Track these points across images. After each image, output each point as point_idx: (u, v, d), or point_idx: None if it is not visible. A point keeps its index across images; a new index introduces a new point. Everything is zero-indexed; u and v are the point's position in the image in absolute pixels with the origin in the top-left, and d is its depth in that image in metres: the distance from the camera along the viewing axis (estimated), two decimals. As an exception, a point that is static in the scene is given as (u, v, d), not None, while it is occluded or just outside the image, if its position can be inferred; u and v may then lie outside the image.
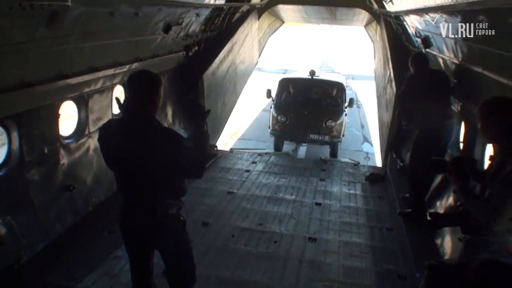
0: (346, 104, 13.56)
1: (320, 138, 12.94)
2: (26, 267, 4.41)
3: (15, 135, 4.82)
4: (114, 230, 5.69)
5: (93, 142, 6.26)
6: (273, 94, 14.08)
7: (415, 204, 6.25)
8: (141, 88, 3.13)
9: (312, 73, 13.97)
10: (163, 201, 3.32)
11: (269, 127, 13.72)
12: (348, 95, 14.67)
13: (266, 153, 11.30)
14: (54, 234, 5.19)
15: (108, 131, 3.30)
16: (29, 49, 4.44)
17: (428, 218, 5.59)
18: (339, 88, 14.07)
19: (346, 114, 13.57)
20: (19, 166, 4.80)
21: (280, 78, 14.99)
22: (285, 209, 7.08)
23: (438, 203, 6.24)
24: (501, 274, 2.51)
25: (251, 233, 6.09)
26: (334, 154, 13.41)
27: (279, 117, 13.21)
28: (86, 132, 6.15)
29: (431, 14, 5.71)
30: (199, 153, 3.31)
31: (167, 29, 7.30)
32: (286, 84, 14.33)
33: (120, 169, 3.29)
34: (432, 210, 6.06)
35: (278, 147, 13.92)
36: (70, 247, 5.17)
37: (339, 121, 13.07)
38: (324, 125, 12.85)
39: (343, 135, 13.31)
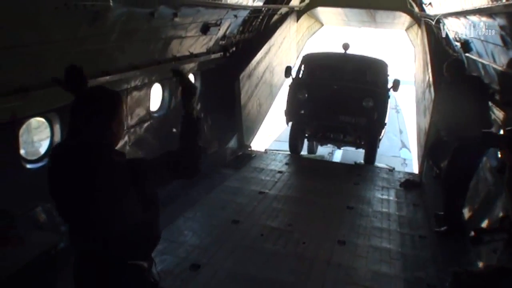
0: (389, 87, 10.72)
1: (354, 120, 9.95)
2: (62, 253, 4.61)
3: (57, 128, 5.07)
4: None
5: (132, 137, 6.49)
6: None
7: (451, 220, 6.06)
8: (94, 113, 2.38)
9: (346, 46, 11.11)
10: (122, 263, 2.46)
11: (284, 112, 10.62)
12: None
13: (300, 155, 11.30)
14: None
15: (57, 164, 2.43)
16: (72, 47, 4.65)
17: (472, 234, 5.47)
18: (381, 66, 11.13)
19: (389, 98, 10.76)
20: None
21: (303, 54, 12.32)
22: (316, 211, 7.08)
23: (479, 218, 6.05)
24: None
25: (280, 233, 6.12)
26: (370, 158, 10.64)
27: (298, 93, 10.21)
28: (125, 127, 6.36)
29: (470, 17, 5.60)
30: (189, 144, 2.61)
31: (205, 29, 7.46)
32: (311, 61, 11.36)
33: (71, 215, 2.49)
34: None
35: (294, 145, 10.84)
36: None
37: (380, 103, 10.16)
38: (360, 103, 9.88)
39: (386, 124, 10.49)
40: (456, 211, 6.05)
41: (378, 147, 10.94)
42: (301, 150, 11.42)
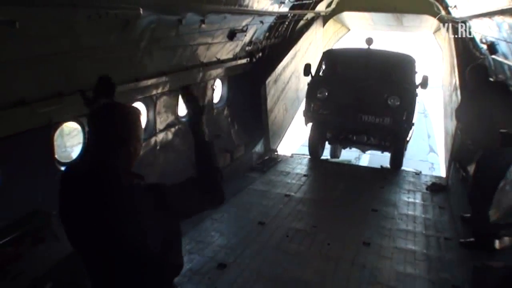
0: (417, 84, 10.01)
1: (378, 121, 9.27)
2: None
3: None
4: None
5: (159, 140, 6.71)
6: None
7: (478, 232, 5.81)
8: (107, 131, 2.18)
9: (370, 41, 10.39)
10: None
11: (303, 113, 10.12)
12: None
13: (326, 160, 11.34)
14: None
15: (67, 187, 2.23)
16: (103, 54, 4.88)
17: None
18: (408, 62, 10.36)
19: (417, 96, 9.96)
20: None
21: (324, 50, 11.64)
22: (341, 213, 7.14)
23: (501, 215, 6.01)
24: None
25: (305, 234, 6.22)
26: (396, 161, 10.03)
27: (318, 92, 9.66)
28: (154, 131, 6.59)
29: (495, 19, 5.60)
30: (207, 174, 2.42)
31: (231, 36, 7.63)
32: (331, 57, 10.77)
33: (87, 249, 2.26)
34: None
35: (314, 148, 10.35)
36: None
37: (407, 101, 9.44)
38: (384, 102, 9.28)
39: (414, 124, 9.68)
40: (483, 223, 5.65)
41: (406, 149, 10.31)
42: (321, 154, 10.85)
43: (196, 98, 2.52)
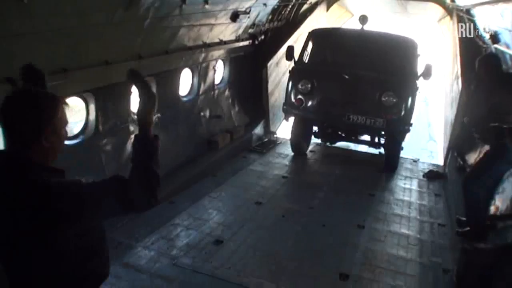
0: (419, 75, 8.53)
1: (368, 122, 7.96)
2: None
3: (92, 108, 5.38)
4: (173, 201, 6.23)
5: (161, 121, 6.78)
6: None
7: (475, 224, 5.66)
8: (18, 121, 1.90)
9: (364, 20, 8.89)
10: None
11: (283, 106, 8.91)
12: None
13: (325, 143, 11.39)
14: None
15: None
16: (108, 31, 4.93)
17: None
18: (409, 47, 8.77)
19: (418, 90, 8.50)
20: (94, 135, 5.36)
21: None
22: (338, 196, 7.25)
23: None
24: None
25: (301, 215, 6.34)
26: (390, 165, 8.84)
27: (299, 84, 8.36)
28: (156, 109, 6.64)
29: (498, 7, 5.60)
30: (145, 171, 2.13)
31: (234, 17, 7.65)
32: (318, 39, 9.17)
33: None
34: None
35: (297, 144, 9.18)
36: (133, 212, 5.69)
37: (405, 98, 8.08)
38: (378, 100, 7.97)
39: (411, 125, 8.32)
40: (480, 221, 5.63)
41: (402, 148, 9.05)
42: (306, 150, 9.62)
43: (147, 83, 2.25)
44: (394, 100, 7.96)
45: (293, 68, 8.83)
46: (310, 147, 9.95)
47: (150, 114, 2.18)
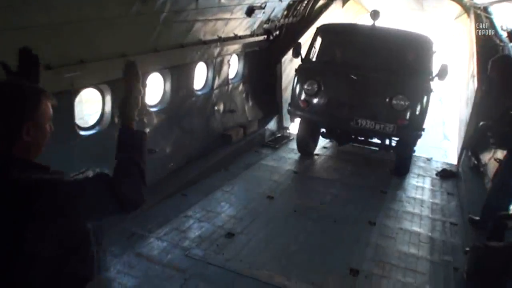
0: (434, 75, 7.89)
1: (377, 127, 7.54)
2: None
3: (108, 99, 5.46)
4: (186, 193, 6.31)
5: (174, 113, 6.85)
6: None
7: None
8: None
9: (375, 15, 8.17)
10: None
11: (288, 107, 8.54)
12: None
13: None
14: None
15: None
16: (124, 23, 4.99)
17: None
18: (423, 45, 8.13)
19: (432, 91, 7.85)
20: (110, 126, 5.44)
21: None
22: (349, 193, 7.26)
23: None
24: None
25: (312, 211, 6.37)
26: (401, 168, 8.42)
27: (305, 85, 7.97)
28: (169, 103, 6.72)
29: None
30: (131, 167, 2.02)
31: (250, 12, 7.67)
32: (326, 36, 8.66)
33: None
34: None
35: (303, 144, 8.87)
36: (147, 203, 5.76)
37: (417, 101, 7.58)
38: (388, 103, 7.49)
39: (424, 130, 7.77)
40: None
41: (414, 151, 8.65)
42: (313, 150, 9.24)
43: (140, 77, 2.20)
44: (406, 104, 7.45)
45: (299, 66, 8.45)
46: (324, 143, 9.91)
47: (132, 109, 2.14)
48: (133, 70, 2.20)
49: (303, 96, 8.01)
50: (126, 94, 2.15)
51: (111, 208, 1.94)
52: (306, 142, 8.86)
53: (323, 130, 8.95)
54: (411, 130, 7.61)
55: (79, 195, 1.81)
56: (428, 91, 7.74)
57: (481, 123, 5.86)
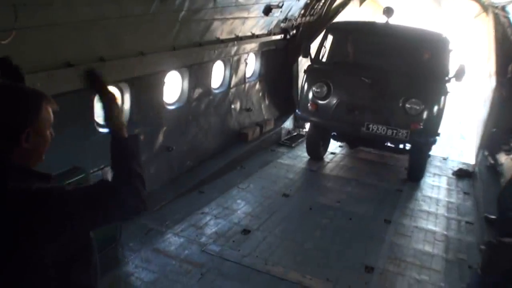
0: (451, 76, 7.39)
1: (389, 133, 7.11)
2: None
3: (127, 97, 5.58)
4: (203, 190, 6.41)
5: (192, 111, 6.95)
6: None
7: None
8: None
9: (389, 12, 7.95)
10: None
11: (297, 109, 8.36)
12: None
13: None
14: (152, 187, 5.95)
15: None
16: (144, 22, 5.09)
17: None
18: (440, 43, 7.64)
19: (448, 94, 7.42)
20: (128, 124, 5.56)
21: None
22: (365, 191, 7.29)
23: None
24: None
25: (328, 209, 6.43)
26: (415, 173, 8.02)
27: (314, 87, 7.59)
28: (187, 101, 6.82)
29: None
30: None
31: (267, 11, 7.72)
32: (337, 34, 8.30)
33: None
34: None
35: (313, 148, 8.54)
36: (165, 199, 5.90)
37: (433, 105, 7.16)
38: (401, 107, 7.09)
39: (439, 135, 7.41)
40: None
41: (429, 156, 8.50)
42: (323, 154, 8.87)
43: (104, 84, 2.06)
44: (420, 108, 7.02)
45: (308, 67, 8.09)
46: (338, 143, 9.83)
47: (117, 117, 2.00)
48: (94, 77, 2.06)
49: (311, 99, 7.65)
50: (103, 103, 2.00)
51: (112, 215, 1.91)
52: (315, 146, 8.54)
53: (333, 133, 8.62)
54: (426, 136, 7.24)
55: (79, 204, 1.74)
56: (443, 94, 7.32)
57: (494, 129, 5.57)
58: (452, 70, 7.49)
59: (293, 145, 9.48)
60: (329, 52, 8.19)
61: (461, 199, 7.47)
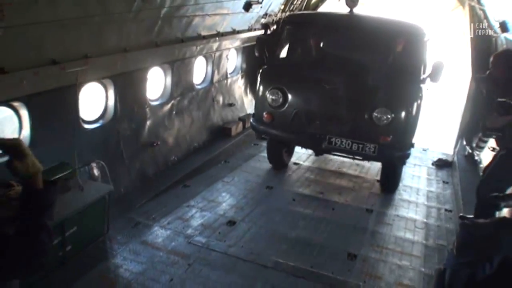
0: (425, 76, 6.33)
1: (355, 148, 6.11)
2: (113, 204, 5.18)
3: (111, 93, 5.63)
4: (188, 184, 6.51)
5: (175, 106, 7.01)
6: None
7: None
8: None
9: (353, 1, 6.58)
10: None
11: (252, 118, 7.03)
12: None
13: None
14: (137, 181, 6.01)
15: None
16: (127, 19, 5.14)
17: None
18: (414, 37, 6.40)
19: (421, 97, 6.21)
20: (113, 119, 5.61)
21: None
22: (347, 182, 7.44)
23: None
24: None
25: (311, 200, 6.56)
26: (389, 184, 7.17)
27: (268, 93, 6.44)
28: (170, 97, 6.89)
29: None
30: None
31: (247, 7, 7.79)
32: (294, 27, 7.02)
33: None
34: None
35: (275, 156, 7.51)
36: (151, 194, 5.97)
37: (404, 113, 6.07)
38: (368, 117, 6.03)
39: (413, 146, 6.39)
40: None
41: (405, 163, 6.95)
42: (288, 161, 7.91)
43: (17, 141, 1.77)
44: (389, 117, 5.96)
45: (262, 69, 6.92)
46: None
47: (27, 167, 1.73)
48: (12, 145, 1.75)
49: (267, 108, 6.51)
50: (10, 159, 1.72)
51: (10, 271, 1.75)
52: (277, 157, 7.57)
53: None
54: (396, 149, 6.17)
55: None
56: (417, 98, 6.18)
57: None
58: (427, 68, 6.47)
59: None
60: (287, 51, 7.01)
61: (441, 188, 7.67)
